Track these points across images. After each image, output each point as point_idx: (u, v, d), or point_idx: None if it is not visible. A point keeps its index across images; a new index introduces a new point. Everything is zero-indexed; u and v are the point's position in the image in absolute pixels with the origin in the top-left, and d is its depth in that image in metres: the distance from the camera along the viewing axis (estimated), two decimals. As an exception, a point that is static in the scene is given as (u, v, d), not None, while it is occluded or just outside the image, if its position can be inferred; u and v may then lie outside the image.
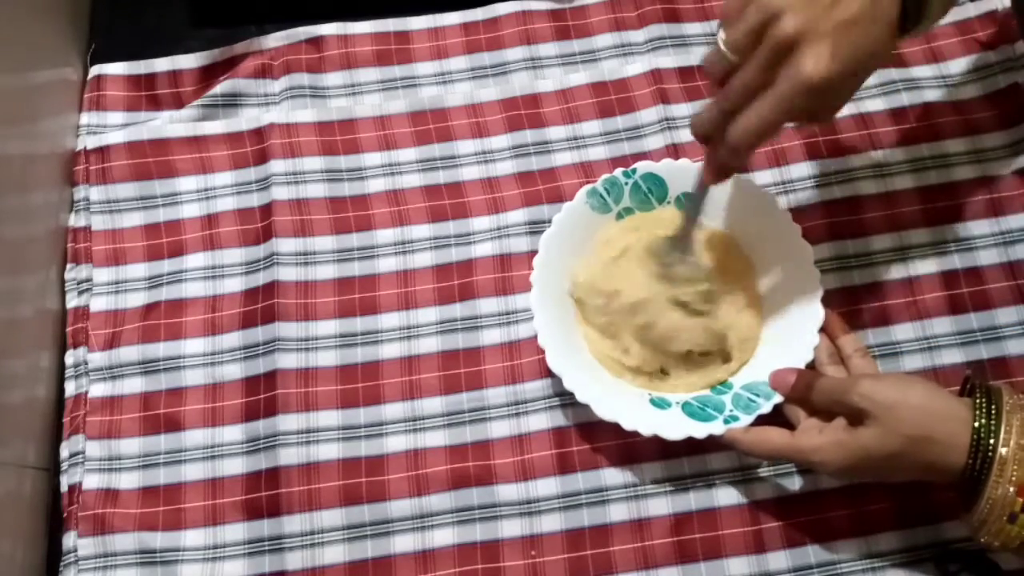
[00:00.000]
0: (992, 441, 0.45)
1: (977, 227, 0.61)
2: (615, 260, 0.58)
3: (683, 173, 0.60)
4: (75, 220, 0.65)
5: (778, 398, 0.53)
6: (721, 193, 0.59)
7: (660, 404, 0.55)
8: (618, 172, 0.60)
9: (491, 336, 0.60)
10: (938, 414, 0.46)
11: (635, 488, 0.56)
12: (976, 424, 0.45)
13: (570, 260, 0.59)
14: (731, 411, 0.54)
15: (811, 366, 0.54)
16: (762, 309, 0.58)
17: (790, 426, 0.53)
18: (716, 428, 0.53)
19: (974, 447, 0.45)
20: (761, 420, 0.53)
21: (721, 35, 0.44)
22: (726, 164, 0.48)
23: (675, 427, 0.53)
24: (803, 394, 0.52)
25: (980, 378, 0.50)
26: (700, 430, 0.53)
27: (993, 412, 0.45)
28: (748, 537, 0.55)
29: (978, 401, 0.46)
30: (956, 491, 0.47)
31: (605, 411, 0.53)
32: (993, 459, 0.44)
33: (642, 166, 0.60)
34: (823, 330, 0.55)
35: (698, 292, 0.56)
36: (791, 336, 0.55)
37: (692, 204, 0.55)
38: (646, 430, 0.53)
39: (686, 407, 0.55)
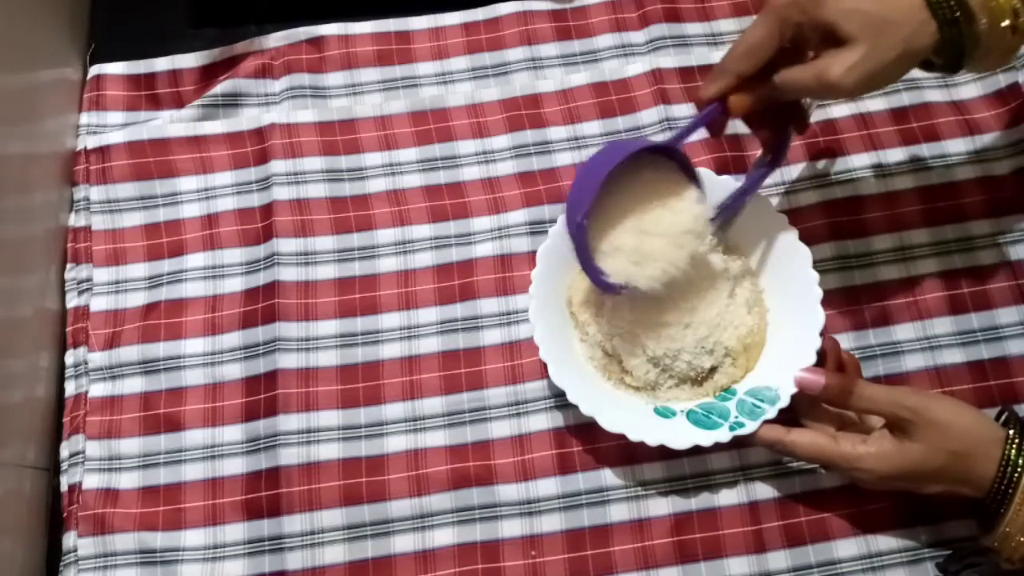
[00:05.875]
0: (1021, 461, 0.47)
1: (977, 227, 0.61)
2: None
3: None
4: (75, 220, 0.65)
5: (783, 403, 0.53)
6: (719, 200, 0.59)
7: (664, 413, 0.55)
8: None
9: (492, 336, 0.60)
10: (982, 435, 0.48)
11: (635, 488, 0.56)
12: (1007, 447, 0.47)
13: (567, 271, 0.58)
14: (736, 417, 0.54)
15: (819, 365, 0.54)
16: (765, 314, 0.58)
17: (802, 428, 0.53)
18: (722, 435, 0.53)
19: (1003, 465, 0.47)
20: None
21: None
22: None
23: (681, 436, 0.53)
24: (835, 396, 0.51)
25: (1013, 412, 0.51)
26: (706, 438, 0.53)
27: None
28: (748, 537, 0.55)
29: (1011, 433, 0.48)
30: (982, 508, 0.49)
31: (610, 423, 0.53)
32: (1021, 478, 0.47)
33: None
34: (820, 361, 0.54)
35: (740, 265, 0.57)
36: (792, 340, 0.55)
37: (729, 207, 0.56)
38: (652, 441, 0.53)
39: (691, 415, 0.55)
